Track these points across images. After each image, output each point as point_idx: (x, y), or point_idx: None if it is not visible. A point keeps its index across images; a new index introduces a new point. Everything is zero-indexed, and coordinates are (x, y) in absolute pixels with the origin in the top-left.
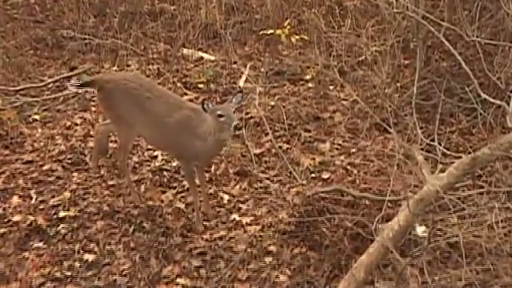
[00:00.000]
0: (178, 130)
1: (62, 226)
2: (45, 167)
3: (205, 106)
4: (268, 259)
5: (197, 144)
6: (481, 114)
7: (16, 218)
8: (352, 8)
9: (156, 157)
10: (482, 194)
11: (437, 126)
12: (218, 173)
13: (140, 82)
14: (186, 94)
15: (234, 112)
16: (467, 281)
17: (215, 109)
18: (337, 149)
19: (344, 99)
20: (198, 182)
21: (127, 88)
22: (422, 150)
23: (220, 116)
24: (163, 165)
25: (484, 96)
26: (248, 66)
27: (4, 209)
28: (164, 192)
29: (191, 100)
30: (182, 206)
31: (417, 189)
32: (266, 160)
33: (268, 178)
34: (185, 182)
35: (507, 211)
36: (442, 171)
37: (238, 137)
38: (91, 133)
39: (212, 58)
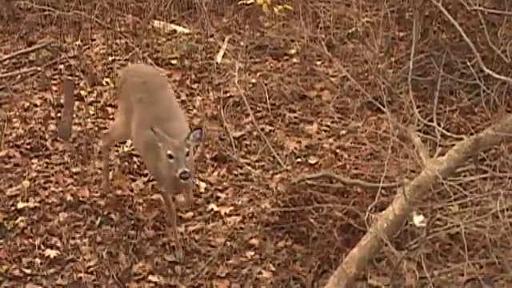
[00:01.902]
0: (147, 146)
1: (20, 218)
2: (0, 153)
3: (156, 135)
4: (250, 253)
5: (159, 167)
6: (484, 91)
7: None
8: None
9: (124, 141)
10: (485, 179)
11: (435, 105)
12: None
13: (145, 79)
14: None
15: (187, 153)
16: (470, 275)
17: (166, 147)
18: (325, 131)
19: (332, 76)
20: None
21: (131, 81)
22: (419, 131)
23: (170, 157)
24: (132, 150)
25: (487, 71)
26: (226, 39)
27: None
28: (134, 180)
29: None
30: (155, 195)
31: (413, 174)
32: (247, 144)
33: (249, 164)
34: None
35: None
36: (442, 155)
37: (215, 119)
38: (52, 114)
39: (186, 30)
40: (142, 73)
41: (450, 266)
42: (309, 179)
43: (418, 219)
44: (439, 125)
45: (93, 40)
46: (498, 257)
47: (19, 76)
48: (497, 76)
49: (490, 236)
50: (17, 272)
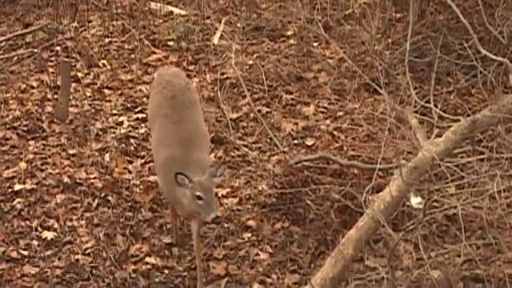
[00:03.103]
0: (164, 167)
1: (17, 200)
2: None
3: (179, 180)
4: (247, 235)
5: (176, 191)
6: (481, 72)
7: None
8: None
9: (122, 123)
10: (482, 160)
11: (432, 86)
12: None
13: (176, 94)
14: (154, 52)
15: (215, 192)
16: (466, 257)
17: (194, 187)
18: (322, 112)
19: (329, 57)
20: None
21: (160, 91)
22: (416, 112)
23: (199, 198)
24: (130, 132)
25: (484, 52)
26: (223, 21)
27: None
28: (131, 162)
29: (159, 59)
30: (152, 177)
31: (410, 156)
32: (244, 125)
33: (246, 146)
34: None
35: (510, 179)
36: (439, 136)
37: (212, 100)
38: (48, 96)
39: (183, 12)
40: (174, 85)
41: (447, 247)
42: (306, 161)
43: (415, 200)
44: (436, 106)
45: (89, 22)
46: (494, 238)
47: (16, 58)
48: (494, 57)
49: (486, 217)
50: (14, 254)
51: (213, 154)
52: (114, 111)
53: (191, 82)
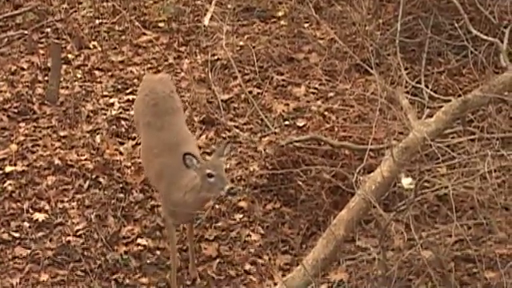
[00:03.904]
0: (160, 174)
1: (8, 182)
2: None
3: (187, 161)
4: (238, 216)
5: (175, 195)
6: (472, 52)
7: None
8: None
9: (112, 104)
10: (473, 140)
11: (423, 67)
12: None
13: (157, 102)
14: (144, 34)
15: (225, 169)
16: (458, 237)
17: (203, 166)
18: (313, 93)
19: (320, 38)
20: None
21: (143, 99)
22: (407, 93)
23: (210, 176)
24: (121, 113)
25: (475, 32)
26: (213, 2)
27: None
28: (122, 143)
29: (150, 41)
30: None
31: (402, 136)
32: (235, 107)
33: (237, 127)
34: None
35: (501, 159)
36: (430, 116)
37: (203, 81)
38: (39, 78)
39: None
40: (157, 93)
41: (438, 228)
42: (297, 141)
43: (406, 181)
44: (427, 86)
45: (79, 3)
46: (485, 218)
47: (6, 39)
48: (484, 37)
49: (477, 197)
50: (5, 236)
51: (204, 136)
52: (105, 93)
53: (175, 89)
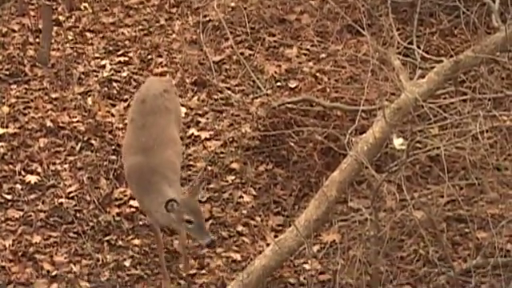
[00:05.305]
0: (130, 174)
1: (0, 144)
2: None
3: (169, 207)
4: (231, 178)
5: (145, 202)
6: (464, 12)
7: None
8: None
9: (104, 66)
10: (465, 101)
11: (415, 27)
12: (173, 83)
13: (145, 99)
14: None
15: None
16: (450, 197)
17: (181, 210)
18: (305, 54)
19: None
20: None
21: (136, 95)
22: (399, 53)
23: (188, 222)
24: (112, 75)
25: None
26: None
27: None
28: (114, 105)
29: (141, 2)
30: None
31: (393, 97)
32: (227, 68)
33: (229, 88)
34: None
35: (493, 120)
36: (422, 77)
37: (194, 43)
38: (30, 40)
39: None
40: (149, 90)
41: (430, 188)
42: (289, 103)
43: (398, 142)
44: (419, 47)
45: None
46: (477, 178)
47: None
48: None
49: (469, 157)
50: None
51: (196, 97)
52: (96, 55)
53: (174, 91)
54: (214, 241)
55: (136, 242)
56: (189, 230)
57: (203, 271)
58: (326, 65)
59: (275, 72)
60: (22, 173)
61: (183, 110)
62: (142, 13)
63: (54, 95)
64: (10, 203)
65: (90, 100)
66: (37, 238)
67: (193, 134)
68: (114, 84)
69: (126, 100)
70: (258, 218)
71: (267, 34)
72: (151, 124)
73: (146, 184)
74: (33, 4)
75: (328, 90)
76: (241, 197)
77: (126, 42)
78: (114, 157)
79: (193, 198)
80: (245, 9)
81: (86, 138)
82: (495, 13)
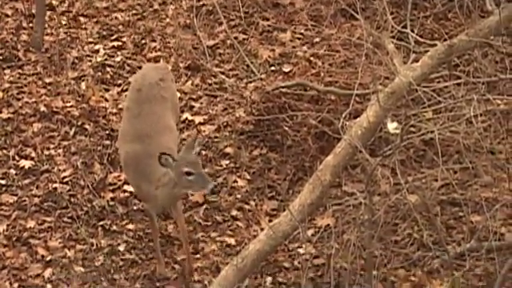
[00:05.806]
0: (126, 161)
1: None
2: None
3: (162, 161)
4: (225, 162)
5: (143, 187)
6: None
7: None
8: None
9: (98, 51)
10: (459, 85)
11: (409, 11)
12: (169, 70)
13: (141, 88)
14: None
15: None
16: (444, 181)
17: (179, 164)
18: (298, 38)
19: None
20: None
21: (131, 84)
22: (393, 37)
23: (188, 174)
24: (106, 60)
25: None
26: None
27: None
28: (107, 90)
29: None
30: None
31: (387, 81)
32: (221, 52)
33: (223, 73)
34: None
35: (487, 103)
36: (416, 61)
37: (188, 27)
38: (24, 25)
39: None
40: (145, 79)
41: (424, 172)
42: (283, 87)
43: (392, 126)
44: (413, 31)
45: None
46: (471, 162)
47: None
48: None
49: (463, 141)
50: None
51: (190, 82)
52: (90, 39)
53: (170, 79)
54: (217, 185)
55: (130, 226)
56: (190, 182)
57: (197, 255)
58: (320, 49)
59: (269, 56)
60: (16, 158)
61: (177, 94)
62: None
63: (47, 80)
64: (3, 188)
65: (83, 85)
66: (31, 223)
67: (187, 118)
68: (108, 69)
69: (119, 85)
70: (253, 203)
71: (261, 19)
72: (147, 112)
73: (143, 170)
74: None
75: (322, 74)
76: (235, 181)
77: (120, 27)
78: (107, 142)
79: (188, 152)
80: None
81: (79, 123)
82: None
